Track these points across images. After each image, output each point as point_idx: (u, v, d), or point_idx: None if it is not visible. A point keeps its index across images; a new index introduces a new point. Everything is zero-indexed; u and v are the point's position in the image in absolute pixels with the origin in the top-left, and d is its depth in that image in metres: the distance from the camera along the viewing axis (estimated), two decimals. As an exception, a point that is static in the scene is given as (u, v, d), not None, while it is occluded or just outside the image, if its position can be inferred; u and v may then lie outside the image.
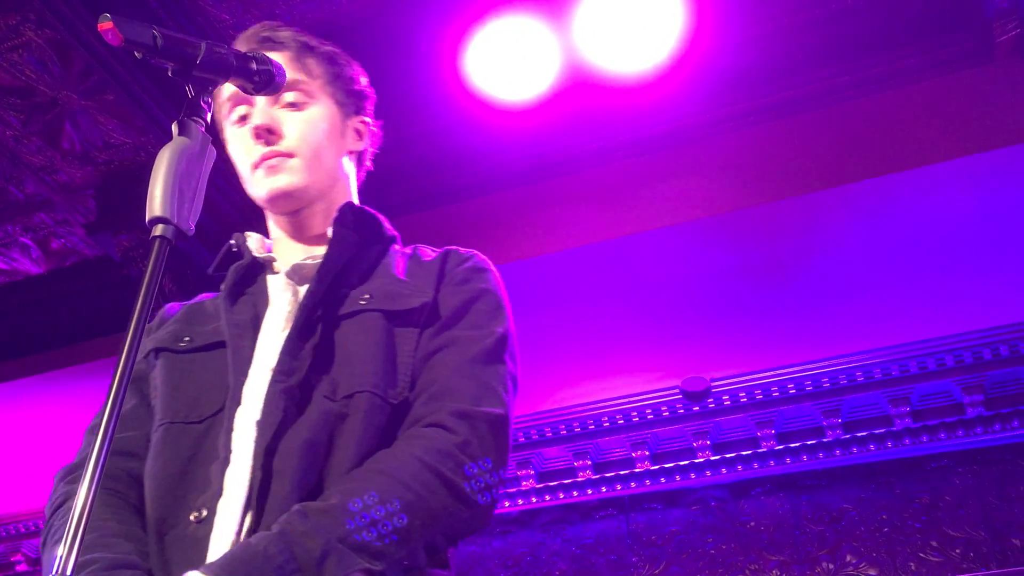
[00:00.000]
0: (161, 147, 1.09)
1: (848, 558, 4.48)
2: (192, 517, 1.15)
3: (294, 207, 1.45)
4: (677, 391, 4.56)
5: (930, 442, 4.49)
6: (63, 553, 0.86)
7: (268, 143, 1.42)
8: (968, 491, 4.45)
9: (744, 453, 4.74)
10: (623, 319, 3.98)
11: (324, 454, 1.17)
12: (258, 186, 1.44)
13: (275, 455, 1.16)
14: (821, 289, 3.85)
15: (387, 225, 1.49)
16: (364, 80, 1.60)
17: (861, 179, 3.27)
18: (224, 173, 3.84)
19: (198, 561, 1.10)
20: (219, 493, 1.16)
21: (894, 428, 4.49)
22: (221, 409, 1.24)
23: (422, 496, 1.12)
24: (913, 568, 4.34)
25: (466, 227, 3.66)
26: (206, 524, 1.14)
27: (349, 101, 1.55)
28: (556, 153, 3.69)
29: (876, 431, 4.53)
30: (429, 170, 3.64)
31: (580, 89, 3.46)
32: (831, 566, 4.50)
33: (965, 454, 4.51)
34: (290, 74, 1.43)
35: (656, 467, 4.85)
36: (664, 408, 4.71)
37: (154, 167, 1.08)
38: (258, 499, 1.14)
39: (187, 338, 1.35)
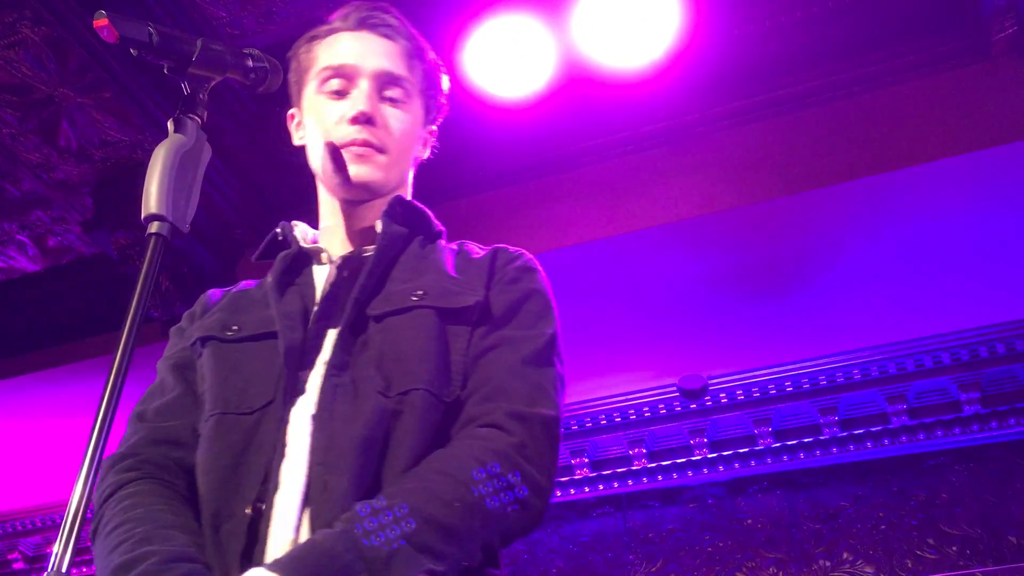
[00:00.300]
0: (158, 144, 1.09)
1: (845, 555, 4.49)
2: (248, 510, 1.14)
3: (366, 198, 1.44)
4: (674, 389, 4.56)
5: (927, 440, 4.50)
6: (59, 550, 0.86)
7: (364, 130, 1.40)
8: (965, 489, 4.46)
9: (741, 451, 4.74)
10: (620, 317, 3.98)
11: (380, 451, 1.16)
12: (338, 169, 1.41)
13: (332, 450, 1.15)
14: (818, 287, 3.85)
15: (435, 220, 1.48)
16: (446, 91, 1.59)
17: (858, 177, 3.27)
18: (221, 171, 3.86)
19: (256, 555, 1.11)
20: (276, 486, 1.15)
21: (891, 426, 4.50)
22: (272, 401, 1.23)
23: (482, 497, 1.12)
24: (910, 565, 4.35)
25: (463, 224, 3.66)
26: (263, 518, 1.13)
27: (432, 110, 1.55)
28: (553, 150, 3.69)
29: (873, 429, 4.54)
30: (426, 167, 3.63)
31: (577, 86, 3.46)
32: (828, 563, 4.50)
33: (962, 452, 4.52)
34: (398, 69, 1.45)
35: (653, 465, 4.85)
36: (661, 406, 4.72)
37: (150, 164, 1.08)
38: (316, 494, 1.13)
39: (234, 327, 1.34)
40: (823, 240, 3.61)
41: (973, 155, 3.15)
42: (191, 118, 1.13)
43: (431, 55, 1.53)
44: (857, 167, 3.27)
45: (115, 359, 0.96)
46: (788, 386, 4.54)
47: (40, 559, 5.83)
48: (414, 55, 1.48)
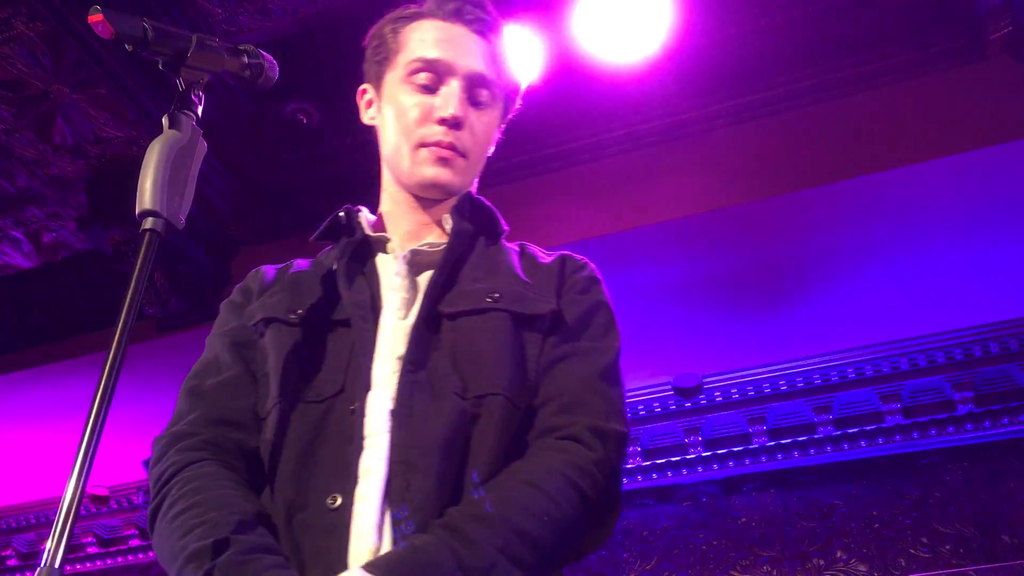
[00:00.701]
0: (152, 141, 1.09)
1: (838, 554, 4.50)
2: (327, 502, 1.12)
3: (440, 199, 1.42)
4: (669, 387, 4.57)
5: (921, 439, 4.51)
6: (51, 547, 0.86)
7: (449, 133, 1.38)
8: (958, 488, 4.47)
9: (736, 449, 4.75)
10: (615, 315, 3.97)
11: (461, 454, 1.15)
12: (417, 166, 1.38)
13: (414, 448, 1.14)
14: (813, 286, 3.86)
15: (501, 219, 1.47)
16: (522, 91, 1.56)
17: (854, 176, 3.27)
18: (217, 168, 3.85)
19: (338, 551, 1.09)
20: (355, 480, 1.13)
21: (885, 425, 4.51)
22: (341, 391, 1.21)
23: (566, 513, 1.12)
24: (903, 564, 4.36)
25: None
26: (343, 512, 1.11)
27: (508, 111, 1.53)
28: (549, 147, 3.69)
29: (867, 428, 4.55)
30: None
31: (574, 82, 3.45)
32: (821, 562, 4.51)
33: (955, 451, 4.53)
34: (488, 71, 1.42)
35: (648, 463, 4.86)
36: (656, 404, 4.72)
37: (144, 160, 1.07)
38: (398, 492, 1.12)
39: (299, 310, 1.31)
40: (819, 239, 3.61)
41: (968, 155, 3.16)
42: (186, 114, 1.12)
43: (518, 60, 1.52)
44: (853, 166, 3.28)
45: (108, 356, 0.96)
46: (783, 385, 4.55)
47: (34, 556, 5.83)
48: (503, 56, 1.46)
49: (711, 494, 4.90)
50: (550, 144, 3.69)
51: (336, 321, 1.29)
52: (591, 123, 3.64)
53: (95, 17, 1.06)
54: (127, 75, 3.32)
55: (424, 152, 1.38)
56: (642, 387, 4.64)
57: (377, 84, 1.47)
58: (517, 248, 1.45)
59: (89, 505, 5.53)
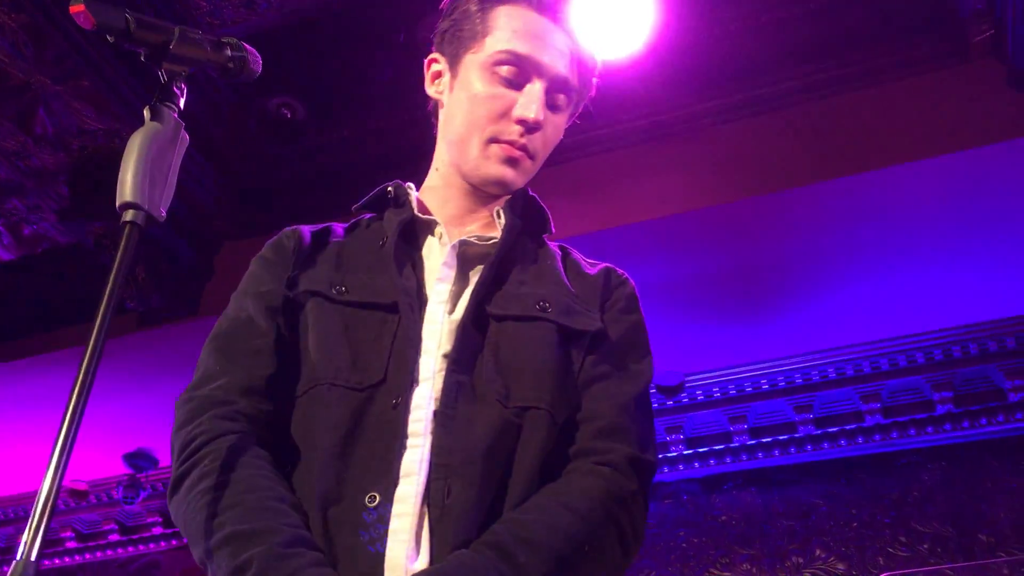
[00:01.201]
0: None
1: (817, 552, 4.53)
2: (365, 500, 1.09)
3: (497, 195, 1.38)
4: (651, 385, 4.58)
5: (900, 438, 4.55)
6: (27, 539, 0.84)
7: (525, 135, 1.32)
8: (937, 487, 4.50)
9: (717, 448, 4.77)
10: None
11: (505, 465, 1.13)
12: (485, 161, 1.33)
13: (456, 454, 1.11)
14: (795, 286, 3.88)
15: (551, 219, 1.43)
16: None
17: (837, 176, 3.29)
18: (200, 161, 3.83)
19: (374, 552, 1.06)
20: (396, 480, 1.10)
21: (865, 424, 4.54)
22: (383, 381, 1.17)
23: (602, 542, 1.12)
24: (881, 563, 4.39)
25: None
26: (381, 512, 1.08)
27: (576, 113, 1.48)
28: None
29: (847, 427, 4.58)
30: (408, 159, 3.63)
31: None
32: (800, 560, 4.54)
33: (934, 450, 4.56)
34: (572, 76, 1.37)
35: (629, 461, 4.87)
36: (638, 402, 4.73)
37: (125, 152, 1.06)
38: (438, 498, 1.09)
39: (342, 287, 1.25)
40: (802, 239, 3.63)
41: (950, 157, 3.18)
42: (168, 106, 1.11)
43: (598, 69, 1.46)
44: (836, 167, 3.30)
45: (86, 350, 0.95)
46: (764, 384, 4.58)
47: (11, 551, 5.78)
48: (585, 60, 1.41)
49: (692, 492, 4.92)
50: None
51: (381, 305, 1.24)
52: (578, 120, 3.64)
53: (76, 7, 1.05)
54: (110, 67, 3.29)
55: (495, 148, 1.33)
56: (624, 385, 4.65)
57: (453, 60, 1.39)
58: (559, 252, 1.41)
59: (68, 499, 5.50)
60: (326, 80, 3.67)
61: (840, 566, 4.46)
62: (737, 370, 4.53)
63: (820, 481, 4.70)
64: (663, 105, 3.57)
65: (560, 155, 3.66)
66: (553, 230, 1.43)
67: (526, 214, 1.38)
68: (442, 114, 1.42)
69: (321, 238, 1.37)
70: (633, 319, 1.34)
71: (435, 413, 1.15)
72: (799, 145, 3.38)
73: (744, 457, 4.78)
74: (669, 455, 4.82)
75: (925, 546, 4.38)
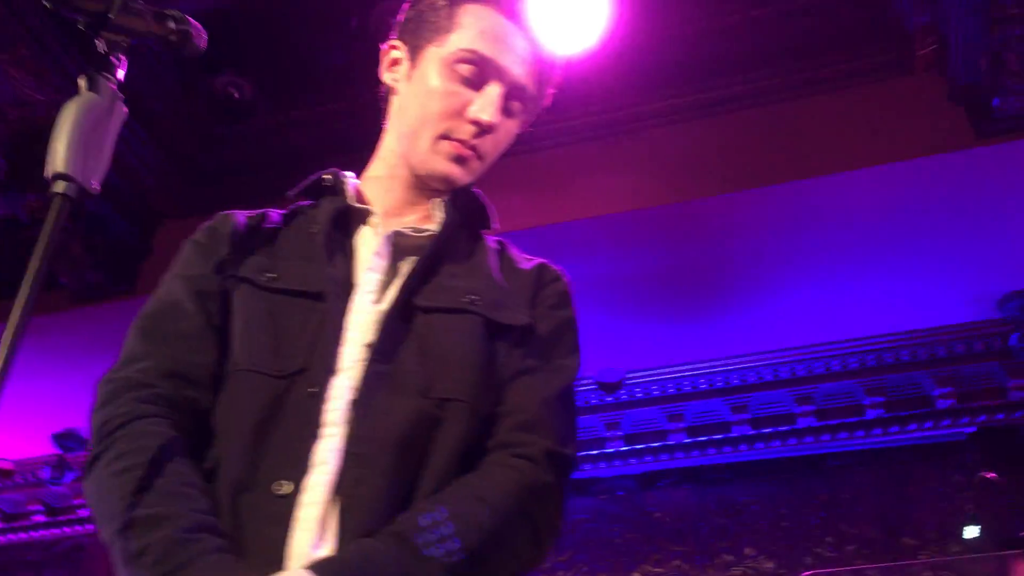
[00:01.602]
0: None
1: (747, 551, 4.60)
2: (274, 488, 1.08)
3: (441, 189, 1.37)
4: (591, 381, 4.61)
5: (831, 441, 4.64)
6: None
7: (477, 136, 1.33)
8: (865, 490, 4.61)
9: (653, 445, 4.82)
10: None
11: (419, 456, 1.12)
12: (434, 155, 1.33)
13: (371, 444, 1.11)
14: (737, 288, 3.93)
15: (494, 215, 1.42)
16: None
17: (782, 181, 3.34)
18: (143, 137, 3.75)
19: (279, 540, 1.05)
20: (307, 468, 1.10)
21: (798, 426, 4.63)
22: (304, 369, 1.16)
23: (514, 535, 1.11)
24: (809, 562, 4.48)
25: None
26: (290, 500, 1.08)
27: (531, 119, 1.47)
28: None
29: (781, 428, 4.66)
30: (358, 146, 3.58)
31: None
32: (731, 558, 4.61)
33: (864, 454, 4.67)
34: (530, 84, 1.37)
35: (567, 455, 4.90)
36: (578, 398, 4.76)
37: (58, 121, 1.03)
38: (348, 487, 1.09)
39: (271, 273, 1.24)
40: (745, 242, 3.67)
41: (890, 166, 3.25)
42: (105, 77, 1.08)
43: (558, 78, 1.45)
44: (782, 171, 3.34)
45: (10, 324, 0.92)
46: (702, 383, 4.63)
47: (-69, 529, 5.63)
48: (547, 67, 1.41)
49: (627, 488, 4.97)
50: (484, 133, 3.68)
51: (310, 293, 1.23)
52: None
53: (13, -30, 1.02)
54: (51, 36, 3.20)
55: (446, 145, 1.33)
56: (565, 380, 4.67)
57: (414, 50, 1.38)
58: (497, 247, 1.40)
59: (-8, 478, 5.36)
60: (276, 62, 3.62)
61: (768, 564, 4.54)
62: (676, 369, 4.58)
63: (753, 481, 4.77)
64: (615, 103, 3.59)
65: (510, 147, 3.68)
66: (495, 226, 1.42)
67: (466, 209, 1.38)
68: (395, 102, 1.41)
69: (255, 224, 1.35)
70: (563, 315, 1.34)
71: (352, 403, 1.14)
72: (746, 149, 3.42)
73: (680, 455, 4.84)
74: (606, 451, 4.86)
75: (852, 547, 4.47)
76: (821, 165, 3.30)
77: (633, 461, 4.89)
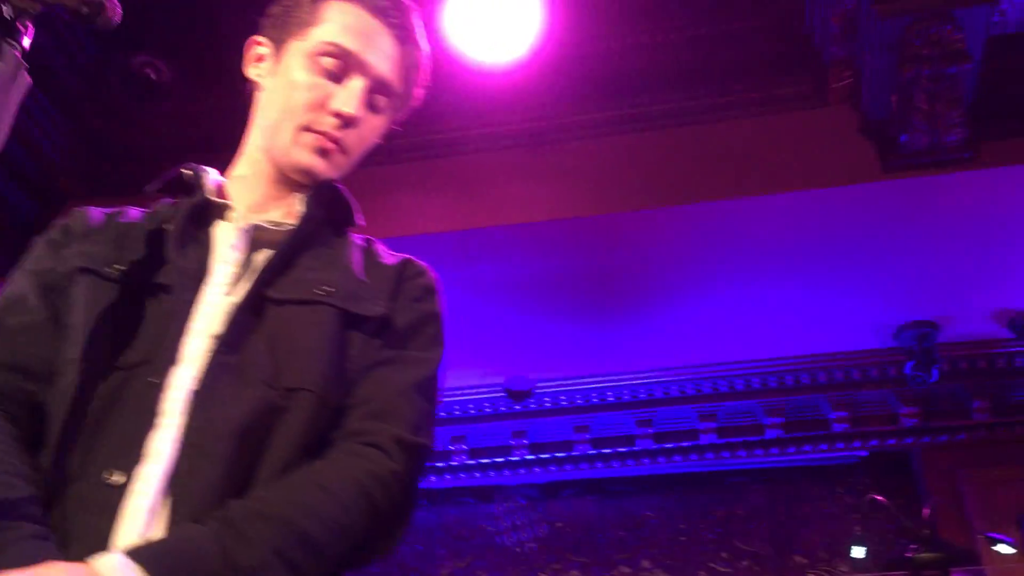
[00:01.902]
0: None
1: (644, 563, 4.67)
2: (105, 477, 1.06)
3: (305, 183, 1.35)
4: (501, 389, 4.62)
5: (731, 458, 4.74)
6: None
7: (340, 129, 1.32)
8: (760, 508, 4.72)
9: (559, 455, 4.85)
10: (454, 311, 3.98)
11: (258, 446, 1.10)
12: (296, 148, 1.32)
13: (208, 433, 1.08)
14: (648, 303, 3.99)
15: (358, 212, 1.40)
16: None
17: (701, 200, 3.40)
18: (50, 112, 3.61)
19: (105, 530, 1.03)
20: (139, 458, 1.07)
21: (700, 442, 4.71)
22: (147, 361, 1.14)
23: (355, 521, 1.09)
24: (703, 576, 4.56)
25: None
26: (120, 490, 1.05)
27: (399, 115, 1.46)
28: (406, 137, 3.65)
29: (684, 444, 4.74)
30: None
31: (439, 77, 3.43)
32: (628, 570, 4.67)
33: (761, 472, 4.78)
34: (396, 80, 1.37)
35: (473, 462, 4.89)
36: (486, 404, 4.76)
37: (-46, 86, 0.98)
38: (182, 477, 1.06)
39: (118, 265, 1.21)
40: (659, 259, 3.73)
41: (802, 193, 3.34)
42: (9, 43, 1.03)
43: (426, 73, 1.45)
44: (698, 192, 3.41)
45: None
46: (610, 396, 4.68)
47: None
48: (414, 66, 1.41)
49: (531, 497, 4.99)
50: (410, 134, 3.66)
51: (157, 285, 1.21)
52: (453, 118, 3.63)
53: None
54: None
55: (309, 137, 1.32)
56: (474, 386, 4.67)
57: (277, 44, 1.39)
58: (363, 243, 1.40)
59: None
60: (195, 44, 3.53)
61: (664, 578, 4.61)
62: (585, 381, 4.62)
63: (654, 494, 4.84)
64: (541, 112, 3.61)
65: (432, 151, 3.66)
66: (359, 223, 1.41)
67: (330, 205, 1.37)
68: (259, 98, 1.41)
69: (111, 219, 1.33)
70: (425, 308, 1.33)
71: (193, 393, 1.12)
72: (665, 166, 3.47)
73: (584, 466, 4.88)
74: (512, 459, 4.87)
75: (745, 562, 4.57)
76: (736, 188, 3.38)
77: (538, 470, 4.91)
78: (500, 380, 4.59)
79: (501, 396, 4.66)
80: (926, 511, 3.54)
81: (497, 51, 3.28)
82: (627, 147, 3.54)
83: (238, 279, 1.24)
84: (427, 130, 3.66)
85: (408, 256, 1.40)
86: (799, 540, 4.59)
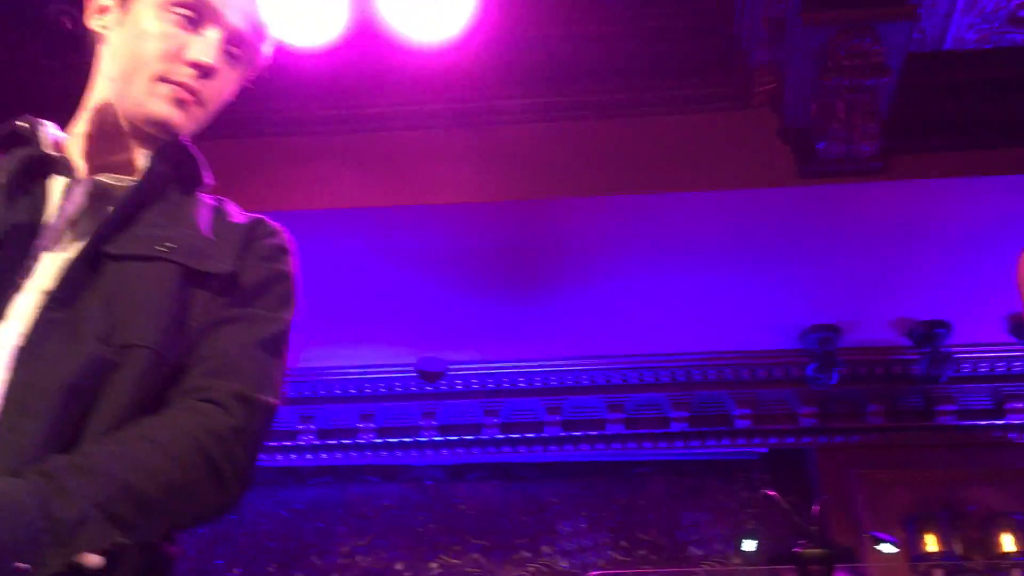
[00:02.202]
0: None
1: (544, 549, 4.72)
2: None
3: (157, 136, 1.31)
4: (413, 369, 4.60)
5: (637, 449, 4.82)
6: None
7: (198, 79, 1.28)
8: (662, 499, 4.81)
9: (467, 438, 4.86)
10: (368, 289, 3.95)
11: (87, 403, 1.07)
12: (151, 99, 1.28)
13: (32, 390, 1.05)
14: (564, 291, 4.02)
15: (206, 170, 1.37)
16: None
17: (619, 193, 3.44)
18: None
19: None
20: None
21: (607, 432, 4.78)
22: None
23: (188, 476, 1.06)
24: (601, 564, 4.64)
25: (227, 165, 3.49)
26: None
27: (252, 71, 1.43)
28: (332, 109, 3.60)
29: (591, 433, 4.80)
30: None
31: (371, 51, 3.39)
32: (528, 555, 4.71)
33: (664, 464, 4.88)
34: (251, 31, 1.34)
35: (380, 441, 4.87)
36: (398, 384, 4.74)
37: None
38: (3, 434, 1.02)
39: None
40: (574, 249, 3.76)
41: (719, 193, 3.41)
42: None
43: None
44: (619, 184, 3.44)
45: None
46: (521, 382, 4.71)
47: None
48: (260, 28, 1.39)
49: (437, 478, 4.99)
50: (338, 106, 3.61)
51: None
52: (383, 95, 3.59)
53: None
54: None
55: (164, 88, 1.29)
56: (385, 365, 4.65)
57: None
58: (214, 203, 1.37)
59: None
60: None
61: (563, 564, 4.67)
62: (497, 365, 4.64)
63: (559, 481, 4.90)
64: (470, 95, 3.59)
65: (359, 125, 3.61)
66: (207, 181, 1.39)
67: (178, 162, 1.34)
68: (104, 51, 1.36)
69: None
70: (275, 268, 1.32)
71: (18, 350, 1.09)
72: (589, 157, 3.50)
73: (492, 450, 4.90)
74: (420, 439, 4.86)
75: (642, 552, 4.66)
76: (656, 182, 3.43)
77: (445, 452, 4.91)
78: (413, 360, 4.57)
79: (413, 376, 4.64)
80: (815, 509, 3.67)
81: (431, 31, 3.25)
82: (553, 135, 3.55)
83: (75, 235, 1.20)
84: (355, 104, 3.61)
85: (262, 216, 1.37)
86: (696, 532, 4.70)
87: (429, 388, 4.73)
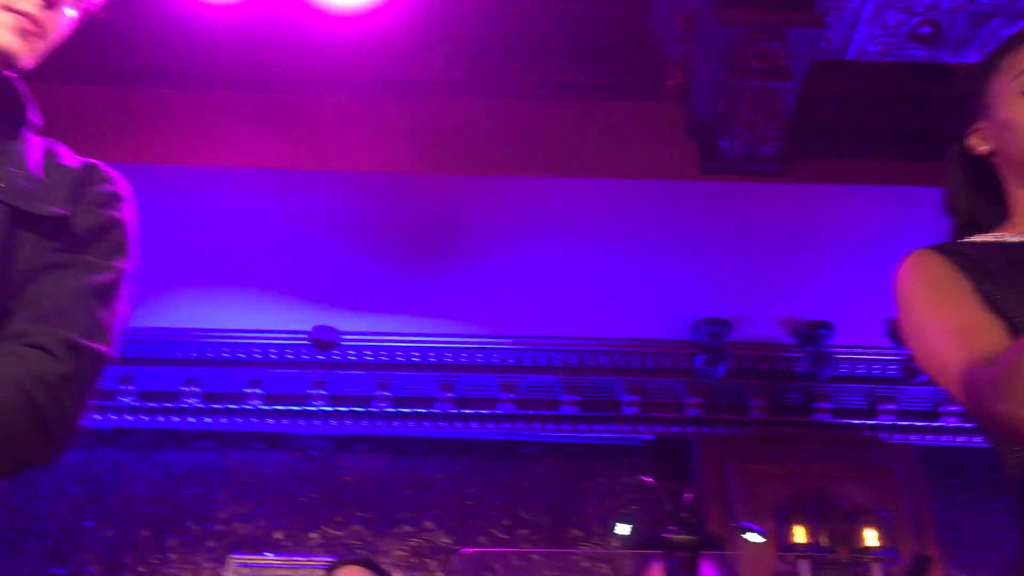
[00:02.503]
0: None
1: (427, 523, 4.72)
2: None
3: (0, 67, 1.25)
4: (306, 337, 4.53)
5: (526, 429, 4.86)
6: None
7: (44, 12, 1.24)
8: (547, 480, 4.87)
9: (357, 409, 4.81)
10: (264, 251, 3.87)
11: None
12: None
13: None
14: (462, 265, 4.01)
15: (34, 110, 1.31)
16: None
17: (523, 173, 3.45)
18: None
19: None
20: None
21: (498, 411, 4.80)
22: None
23: (10, 421, 1.03)
24: (483, 541, 4.67)
25: (131, 114, 3.36)
26: None
27: (77, 22, 1.36)
28: (237, 64, 3.50)
29: (483, 411, 4.81)
30: (106, 43, 3.29)
31: (287, 13, 3.31)
32: (410, 529, 4.71)
33: (552, 446, 4.93)
34: None
35: (267, 407, 4.78)
36: (288, 351, 4.66)
37: None
38: None
39: None
40: (482, 225, 3.76)
41: (621, 182, 3.45)
42: None
43: None
44: (523, 164, 3.45)
45: None
46: (415, 356, 4.69)
47: None
48: None
49: (323, 449, 4.93)
50: (249, 65, 3.51)
51: None
52: (296, 57, 3.51)
53: None
54: None
55: (8, 16, 1.23)
56: (278, 331, 4.56)
57: None
58: (45, 144, 1.32)
59: None
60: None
61: (445, 540, 4.68)
62: (392, 338, 4.61)
63: (446, 458, 4.90)
64: (383, 63, 3.54)
65: (269, 84, 3.52)
66: (35, 120, 1.34)
67: (4, 101, 1.29)
68: None
69: None
70: (110, 215, 1.28)
71: None
72: (497, 135, 3.49)
73: (381, 423, 4.87)
74: (309, 408, 4.79)
75: (524, 531, 4.72)
76: (560, 166, 3.45)
77: (333, 423, 4.85)
78: (307, 328, 4.50)
79: (305, 344, 4.57)
80: (688, 496, 3.77)
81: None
82: (461, 110, 3.53)
83: None
84: (264, 63, 3.52)
85: (96, 161, 1.33)
86: (578, 514, 4.77)
87: (321, 357, 4.66)
